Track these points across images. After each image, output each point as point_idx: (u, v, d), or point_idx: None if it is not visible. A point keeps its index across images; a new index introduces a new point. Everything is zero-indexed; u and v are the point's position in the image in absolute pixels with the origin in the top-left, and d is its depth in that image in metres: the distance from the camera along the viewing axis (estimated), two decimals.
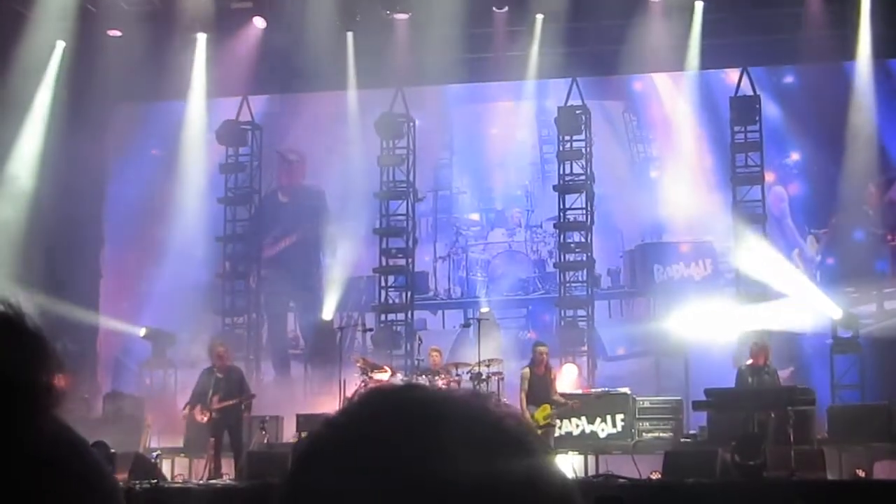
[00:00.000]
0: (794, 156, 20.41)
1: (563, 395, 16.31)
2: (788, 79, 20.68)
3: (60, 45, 20.44)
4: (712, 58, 19.79)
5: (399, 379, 16.97)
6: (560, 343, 19.42)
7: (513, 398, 15.89)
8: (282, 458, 14.81)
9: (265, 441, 16.99)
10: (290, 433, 17.66)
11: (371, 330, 20.03)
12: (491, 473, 1.04)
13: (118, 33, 20.22)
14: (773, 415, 14.90)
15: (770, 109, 20.03)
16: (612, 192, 20.81)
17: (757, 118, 19.63)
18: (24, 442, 1.06)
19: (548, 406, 15.57)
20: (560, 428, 16.39)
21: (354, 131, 21.01)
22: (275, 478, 15.27)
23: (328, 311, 20.83)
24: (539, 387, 15.74)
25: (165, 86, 20.49)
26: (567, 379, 18.47)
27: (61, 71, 20.52)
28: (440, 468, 1.03)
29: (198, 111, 21.34)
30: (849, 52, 19.52)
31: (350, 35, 20.64)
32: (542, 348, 16.08)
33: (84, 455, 1.13)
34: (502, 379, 17.05)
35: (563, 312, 20.22)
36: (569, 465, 16.22)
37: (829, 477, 14.34)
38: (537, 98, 21.05)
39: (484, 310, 19.19)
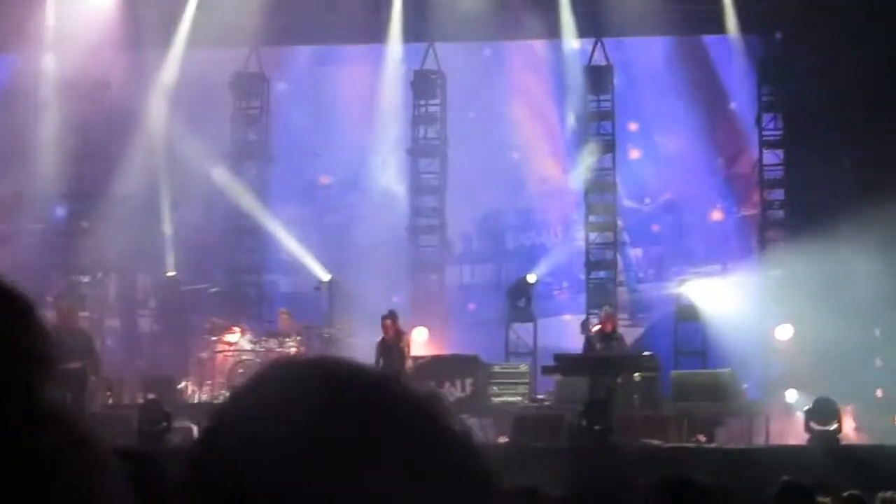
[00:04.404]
0: (633, 126, 20.72)
1: (413, 357, 16.42)
2: (645, 50, 20.89)
3: None
4: (569, 27, 19.86)
5: (248, 339, 16.82)
6: (411, 307, 19.47)
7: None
8: (127, 420, 14.58)
9: (109, 402, 16.66)
10: (135, 394, 17.36)
11: (220, 290, 19.73)
12: (415, 445, 1.07)
13: None
14: (619, 380, 15.20)
15: (620, 79, 20.22)
16: (468, 157, 20.83)
17: (610, 88, 19.86)
18: (24, 402, 1.06)
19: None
20: None
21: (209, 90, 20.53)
22: (119, 440, 15.05)
23: (177, 270, 20.41)
24: (390, 356, 15.85)
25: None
26: (417, 342, 18.54)
27: None
28: (358, 434, 1.04)
29: None
30: (709, 25, 19.86)
31: None
32: (386, 321, 16.18)
33: (76, 417, 1.15)
34: (354, 343, 17.05)
35: (415, 276, 20.28)
36: None
37: (672, 443, 14.65)
38: (394, 62, 20.92)
39: (326, 278, 18.95)
